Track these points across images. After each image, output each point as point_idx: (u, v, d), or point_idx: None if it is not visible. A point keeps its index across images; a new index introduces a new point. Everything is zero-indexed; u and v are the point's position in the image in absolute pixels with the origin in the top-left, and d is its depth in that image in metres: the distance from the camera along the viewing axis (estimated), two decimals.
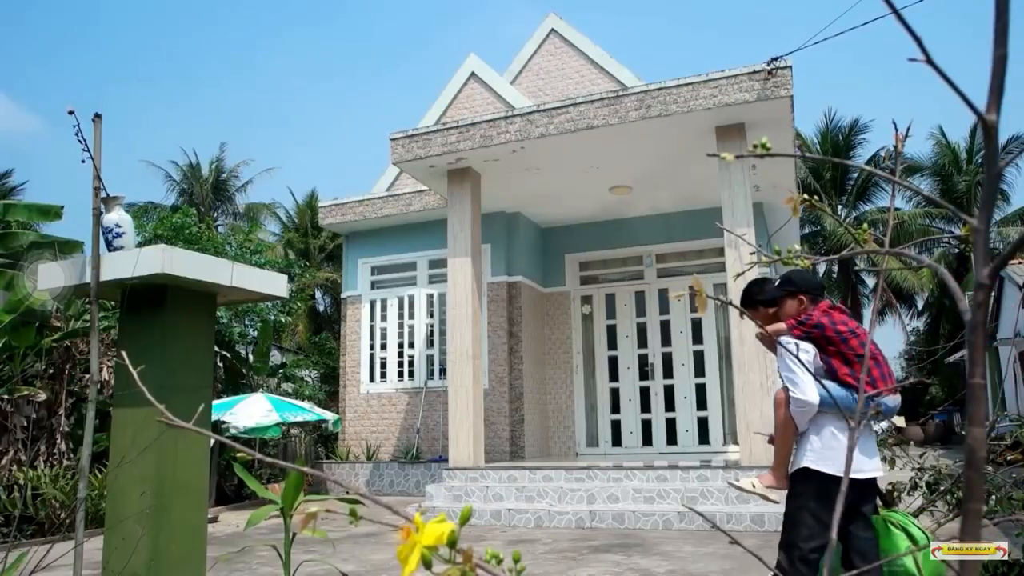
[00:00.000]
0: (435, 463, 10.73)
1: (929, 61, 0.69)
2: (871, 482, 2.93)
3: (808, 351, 2.99)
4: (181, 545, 2.91)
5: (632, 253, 11.62)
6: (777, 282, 3.28)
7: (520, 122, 8.65)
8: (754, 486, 3.19)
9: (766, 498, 3.17)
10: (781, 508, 3.07)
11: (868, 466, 2.88)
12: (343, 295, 12.56)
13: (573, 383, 11.55)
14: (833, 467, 2.83)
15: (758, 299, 3.28)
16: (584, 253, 11.87)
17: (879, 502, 3.01)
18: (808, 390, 2.87)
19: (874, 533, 2.92)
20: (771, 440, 3.20)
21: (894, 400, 2.98)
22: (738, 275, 1.38)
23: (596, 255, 11.85)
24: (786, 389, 2.98)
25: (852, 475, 2.80)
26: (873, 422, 3.03)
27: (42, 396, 8.39)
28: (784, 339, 3.04)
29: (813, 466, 2.88)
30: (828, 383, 2.93)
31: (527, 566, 0.79)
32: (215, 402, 9.75)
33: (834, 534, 0.94)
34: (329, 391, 15.60)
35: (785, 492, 3.09)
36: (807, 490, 2.90)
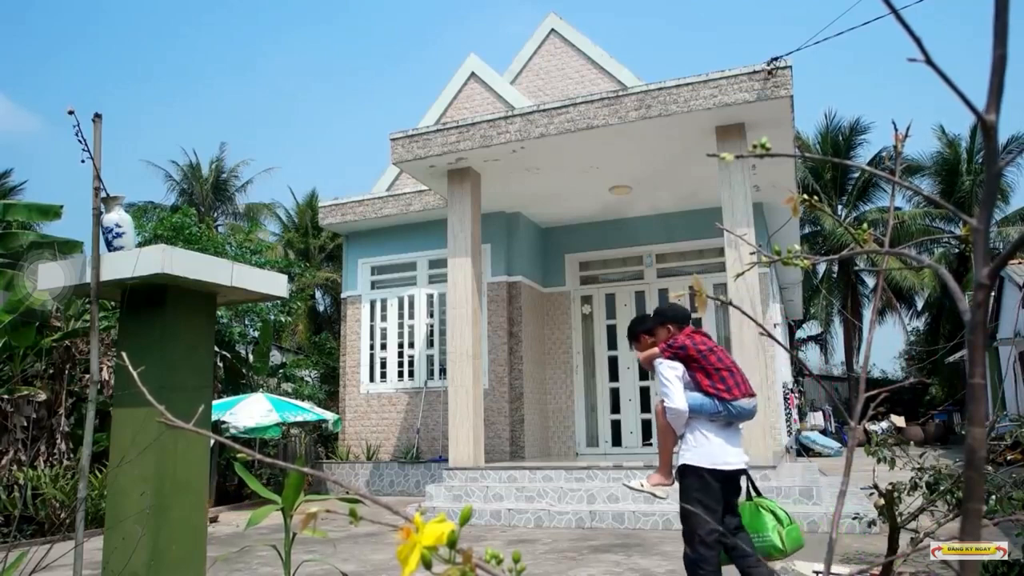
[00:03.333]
0: (435, 463, 10.73)
1: (929, 61, 0.69)
2: (737, 473, 3.52)
3: (676, 368, 3.57)
4: (181, 545, 2.91)
5: (632, 253, 11.62)
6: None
7: (520, 122, 8.65)
8: (643, 485, 3.75)
9: (654, 495, 3.71)
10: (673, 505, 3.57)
11: (734, 459, 3.48)
12: (343, 295, 12.57)
13: (573, 383, 11.55)
14: (706, 461, 3.43)
15: (639, 329, 3.92)
16: (584, 253, 11.87)
17: (752, 491, 3.65)
18: (678, 399, 3.49)
19: (739, 519, 3.56)
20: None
21: (750, 403, 3.55)
22: (738, 275, 1.38)
23: (596, 255, 11.85)
24: (663, 401, 3.57)
25: (720, 467, 3.42)
26: (738, 422, 3.63)
27: (42, 396, 8.39)
28: (658, 360, 3.64)
29: (690, 462, 3.45)
30: (693, 393, 3.52)
31: (527, 566, 0.79)
32: (215, 402, 9.74)
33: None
34: (329, 391, 15.59)
35: (670, 488, 3.68)
36: (691, 484, 3.45)
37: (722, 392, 3.47)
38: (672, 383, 3.54)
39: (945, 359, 20.52)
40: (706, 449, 3.45)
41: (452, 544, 0.67)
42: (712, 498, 3.41)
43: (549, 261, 11.96)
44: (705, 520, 3.31)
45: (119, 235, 3.13)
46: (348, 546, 6.64)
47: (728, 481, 3.49)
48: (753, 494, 3.65)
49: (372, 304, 12.21)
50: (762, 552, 3.49)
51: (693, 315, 11.62)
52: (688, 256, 11.42)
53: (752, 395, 3.58)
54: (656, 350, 3.68)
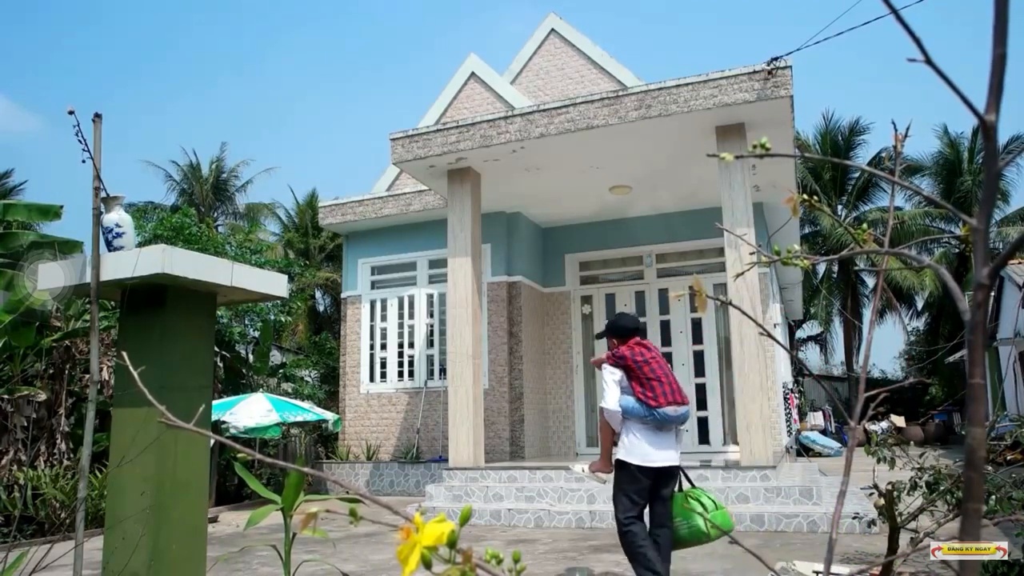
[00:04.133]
0: (435, 463, 10.73)
1: (928, 61, 0.69)
2: (666, 469, 4.09)
3: (615, 373, 4.19)
4: (181, 545, 2.91)
5: (632, 253, 11.62)
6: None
7: (520, 122, 8.65)
8: (583, 471, 4.48)
9: (596, 479, 4.45)
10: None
11: (660, 458, 4.04)
12: (343, 295, 12.56)
13: (573, 383, 11.55)
14: (636, 458, 4.02)
15: (595, 335, 4.71)
16: (584, 253, 11.87)
17: (686, 483, 4.30)
18: (610, 400, 4.13)
19: (668, 507, 4.17)
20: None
21: (675, 411, 4.06)
22: (738, 275, 1.38)
23: (596, 255, 11.85)
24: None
25: (648, 464, 4.01)
26: (677, 425, 4.15)
27: (42, 396, 8.38)
28: (604, 365, 4.27)
29: (623, 458, 4.07)
30: (628, 397, 4.10)
31: (527, 566, 0.79)
32: (215, 402, 9.74)
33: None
34: (329, 391, 15.59)
35: (607, 477, 4.33)
36: (622, 477, 4.10)
37: (649, 399, 4.03)
38: (609, 386, 4.19)
39: (945, 359, 20.52)
40: (636, 448, 4.03)
41: (452, 544, 0.67)
42: (637, 490, 4.07)
43: (549, 261, 11.96)
44: (625, 507, 4.08)
45: (119, 235, 3.13)
46: (348, 546, 6.64)
47: (659, 475, 4.10)
48: (687, 487, 4.29)
49: (372, 304, 12.21)
50: (692, 536, 4.15)
51: (693, 315, 11.63)
52: (688, 256, 11.42)
53: (681, 403, 4.11)
54: (603, 356, 4.36)
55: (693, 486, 4.29)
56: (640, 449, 4.02)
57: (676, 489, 4.25)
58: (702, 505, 4.12)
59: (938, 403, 24.01)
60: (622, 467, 4.10)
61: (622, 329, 4.38)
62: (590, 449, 11.35)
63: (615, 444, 4.22)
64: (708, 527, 4.01)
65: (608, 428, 4.24)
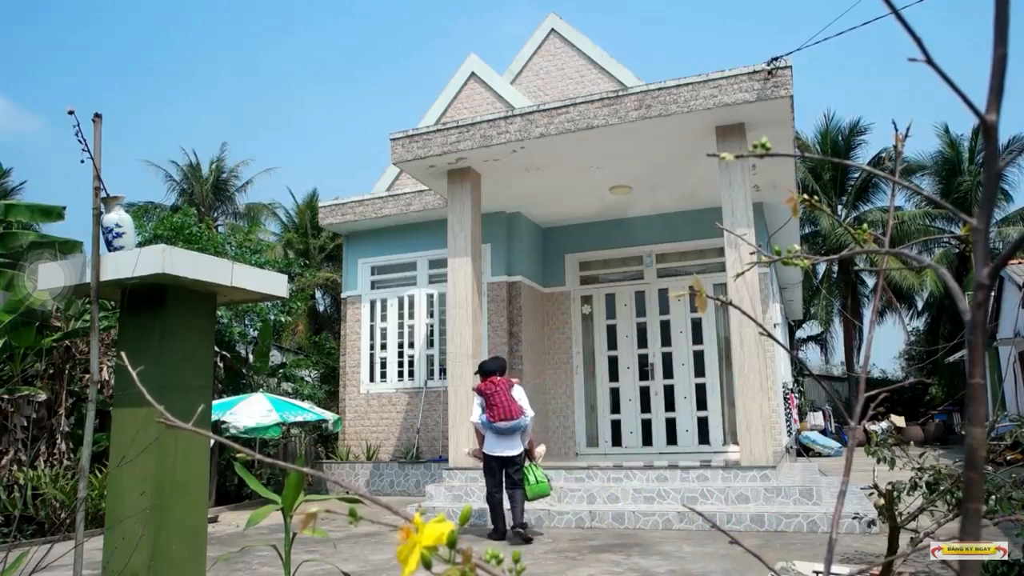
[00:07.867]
0: (435, 463, 10.73)
1: (929, 61, 0.69)
2: (507, 457, 6.71)
3: (477, 398, 6.90)
4: (181, 545, 2.91)
5: (632, 253, 11.62)
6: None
7: (520, 122, 8.65)
8: (467, 453, 7.77)
9: (474, 461, 7.51)
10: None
11: (500, 451, 6.71)
12: (343, 295, 12.56)
13: (573, 383, 11.55)
14: (487, 450, 6.77)
15: (474, 371, 7.81)
16: (584, 253, 11.87)
17: (529, 462, 6.92)
18: (473, 416, 6.91)
19: (515, 479, 6.71)
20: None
21: (505, 424, 6.63)
22: (738, 275, 1.38)
23: (596, 255, 11.84)
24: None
25: (494, 453, 6.73)
26: (513, 431, 6.71)
27: (42, 396, 8.38)
28: (474, 393, 7.07)
29: (484, 450, 6.82)
30: (483, 415, 6.76)
31: (527, 566, 0.79)
32: (215, 402, 9.73)
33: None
34: (329, 391, 15.57)
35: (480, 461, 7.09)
36: (484, 462, 6.86)
37: (489, 418, 6.70)
38: (473, 407, 7.01)
39: (945, 359, 20.53)
40: (487, 445, 6.79)
41: (452, 544, 0.67)
42: (491, 468, 6.78)
43: (549, 261, 11.95)
44: (489, 482, 6.82)
45: (119, 235, 3.13)
46: (348, 546, 6.64)
47: (502, 461, 6.72)
48: (531, 463, 6.90)
49: (372, 304, 12.20)
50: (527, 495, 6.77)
51: (693, 315, 11.66)
52: (688, 256, 11.42)
53: (510, 419, 6.62)
54: (474, 387, 7.05)
55: (534, 465, 6.90)
56: (488, 445, 6.75)
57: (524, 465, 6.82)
58: (527, 479, 6.72)
59: (938, 403, 24.00)
60: (485, 456, 6.80)
61: (484, 371, 7.01)
62: (590, 448, 11.36)
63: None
64: (527, 492, 6.70)
65: (477, 432, 6.95)
